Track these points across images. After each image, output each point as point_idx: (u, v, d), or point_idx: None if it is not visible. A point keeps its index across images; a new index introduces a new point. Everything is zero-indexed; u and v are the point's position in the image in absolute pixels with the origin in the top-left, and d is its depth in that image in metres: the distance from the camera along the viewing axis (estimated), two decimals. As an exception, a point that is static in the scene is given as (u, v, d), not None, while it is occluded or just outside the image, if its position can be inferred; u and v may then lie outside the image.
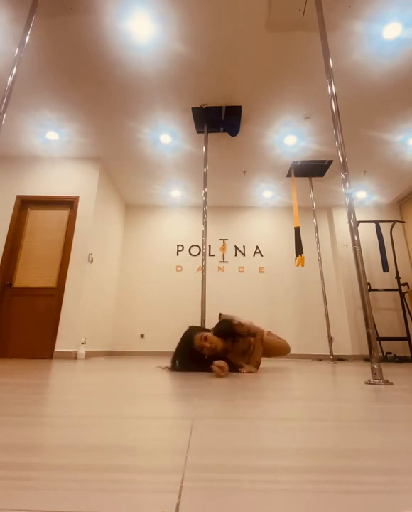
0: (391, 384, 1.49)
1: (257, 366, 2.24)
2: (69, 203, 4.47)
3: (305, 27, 2.76)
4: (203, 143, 4.02)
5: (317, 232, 4.85)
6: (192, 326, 2.33)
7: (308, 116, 3.82)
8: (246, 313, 5.52)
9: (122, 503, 0.33)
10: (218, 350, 2.11)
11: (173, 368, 2.16)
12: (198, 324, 2.61)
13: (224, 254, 5.95)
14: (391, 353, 4.87)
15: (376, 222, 5.24)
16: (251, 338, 2.28)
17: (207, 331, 2.26)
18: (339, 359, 4.99)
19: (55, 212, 4.43)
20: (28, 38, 2.33)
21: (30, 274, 4.12)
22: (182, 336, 2.25)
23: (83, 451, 0.49)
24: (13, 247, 4.20)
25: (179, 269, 5.85)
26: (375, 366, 1.56)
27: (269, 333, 2.73)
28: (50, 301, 4.00)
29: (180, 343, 2.23)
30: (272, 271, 5.83)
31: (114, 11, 2.65)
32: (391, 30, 2.77)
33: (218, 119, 3.80)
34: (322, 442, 0.55)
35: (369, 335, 1.64)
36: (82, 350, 3.87)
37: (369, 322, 1.65)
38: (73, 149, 4.52)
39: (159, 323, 5.50)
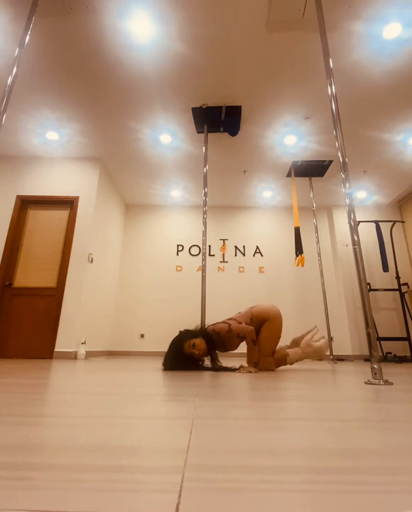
0: (391, 384, 1.49)
1: (255, 366, 2.26)
2: (69, 203, 4.47)
3: (305, 27, 2.76)
4: (203, 143, 4.02)
5: (317, 232, 4.85)
6: (181, 333, 2.42)
7: (308, 116, 3.82)
8: (246, 313, 5.51)
9: (122, 503, 0.33)
10: (206, 353, 2.34)
11: (165, 369, 2.31)
12: (193, 326, 2.64)
13: (224, 254, 5.95)
14: (391, 353, 4.86)
15: (376, 222, 5.24)
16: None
17: (195, 335, 2.36)
18: (339, 359, 4.99)
19: (55, 212, 4.43)
20: (28, 38, 2.33)
21: (30, 274, 4.12)
22: (171, 344, 2.37)
23: (83, 451, 0.49)
24: (13, 247, 4.20)
25: (179, 269, 5.85)
26: (375, 366, 1.56)
27: (299, 340, 2.64)
28: (50, 301, 4.00)
29: (169, 350, 2.36)
30: (272, 271, 5.83)
31: (114, 11, 2.65)
32: (391, 30, 2.77)
33: (218, 119, 3.80)
34: (322, 442, 0.55)
35: (369, 335, 1.64)
36: (82, 350, 3.87)
37: (369, 322, 1.65)
38: (73, 149, 4.52)
39: (159, 323, 5.50)
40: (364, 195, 5.64)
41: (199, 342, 2.31)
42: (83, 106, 3.70)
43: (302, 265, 4.46)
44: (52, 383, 1.37)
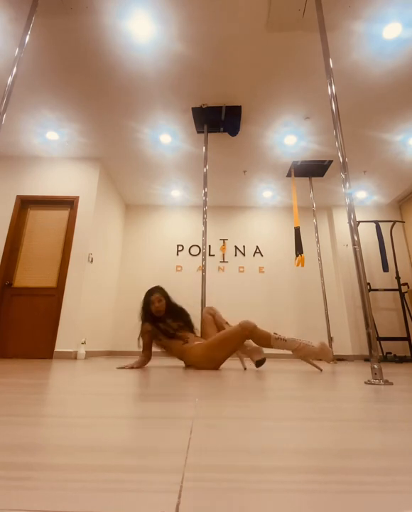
0: (391, 384, 1.49)
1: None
2: (69, 203, 4.47)
3: (305, 27, 2.76)
4: (203, 143, 4.02)
5: (317, 232, 4.85)
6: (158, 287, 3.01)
7: (308, 116, 3.82)
8: (246, 314, 5.52)
9: (122, 503, 0.33)
10: (160, 313, 2.87)
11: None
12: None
13: (224, 254, 5.95)
14: (391, 353, 4.86)
15: (376, 222, 5.24)
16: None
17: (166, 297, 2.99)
18: (339, 359, 4.99)
19: (55, 212, 4.43)
20: (28, 37, 2.33)
21: (30, 274, 4.12)
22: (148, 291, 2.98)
23: (83, 451, 0.49)
24: (13, 247, 4.20)
25: (179, 269, 5.85)
26: (375, 366, 1.56)
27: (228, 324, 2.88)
28: (50, 301, 4.00)
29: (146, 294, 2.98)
30: (272, 271, 5.83)
31: (114, 11, 2.65)
32: (391, 30, 2.77)
33: (218, 119, 3.80)
34: (322, 442, 0.55)
35: (369, 335, 1.64)
36: (82, 350, 3.87)
37: (368, 322, 1.65)
38: (73, 149, 4.52)
39: (159, 323, 5.49)
40: (364, 195, 5.64)
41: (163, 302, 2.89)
42: (83, 106, 3.70)
43: (302, 265, 4.46)
44: (52, 383, 1.37)
